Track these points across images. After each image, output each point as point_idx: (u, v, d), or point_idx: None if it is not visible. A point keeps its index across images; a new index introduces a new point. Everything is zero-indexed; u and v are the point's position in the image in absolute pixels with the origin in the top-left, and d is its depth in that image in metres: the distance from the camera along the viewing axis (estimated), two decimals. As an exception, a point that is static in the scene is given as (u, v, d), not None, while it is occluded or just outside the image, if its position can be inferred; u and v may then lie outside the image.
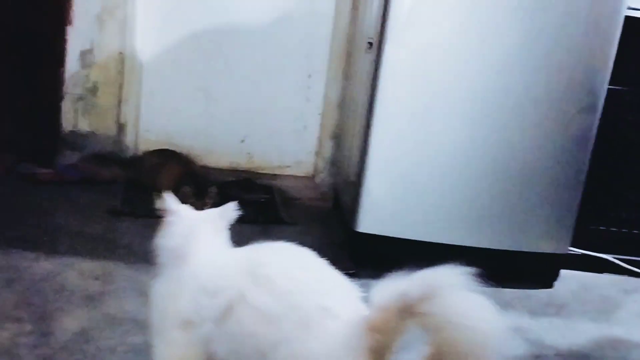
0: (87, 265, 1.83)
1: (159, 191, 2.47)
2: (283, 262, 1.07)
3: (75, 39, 2.58)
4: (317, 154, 2.89)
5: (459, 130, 2.03)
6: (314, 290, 1.03)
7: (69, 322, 1.52)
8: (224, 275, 1.08)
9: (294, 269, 1.06)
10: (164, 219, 1.17)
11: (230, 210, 1.22)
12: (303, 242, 2.13)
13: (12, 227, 2.00)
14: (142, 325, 1.55)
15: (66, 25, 2.56)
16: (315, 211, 2.64)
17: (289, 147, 2.88)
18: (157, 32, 2.69)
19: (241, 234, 2.29)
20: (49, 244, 1.93)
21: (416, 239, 2.07)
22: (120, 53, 2.64)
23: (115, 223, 2.21)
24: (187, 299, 1.09)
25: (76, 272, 1.78)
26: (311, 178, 2.90)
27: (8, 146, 2.56)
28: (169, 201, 1.18)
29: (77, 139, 2.67)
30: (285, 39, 2.77)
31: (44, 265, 1.78)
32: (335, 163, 2.78)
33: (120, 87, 2.67)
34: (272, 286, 1.02)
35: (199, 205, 2.37)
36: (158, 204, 1.18)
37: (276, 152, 2.88)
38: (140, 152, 2.73)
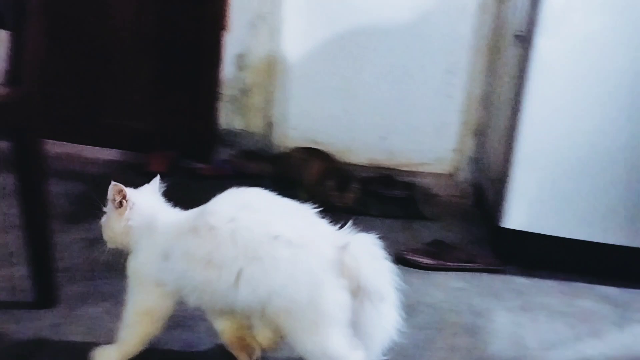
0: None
1: (304, 185, 2.64)
2: (227, 207, 1.19)
3: (231, 44, 2.79)
4: (458, 150, 2.89)
5: (612, 127, 1.95)
6: (261, 222, 1.16)
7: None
8: (171, 237, 1.21)
9: (238, 211, 1.17)
10: (126, 204, 1.27)
11: (157, 182, 1.35)
12: (445, 238, 2.15)
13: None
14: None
15: (223, 30, 2.78)
16: (456, 208, 2.65)
17: (429, 144, 2.91)
18: (302, 35, 2.83)
19: (383, 228, 2.36)
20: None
21: (564, 236, 2.02)
22: (271, 56, 2.81)
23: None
24: (153, 265, 1.23)
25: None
26: (451, 175, 2.90)
27: (172, 143, 2.83)
28: (124, 189, 1.28)
29: (231, 136, 2.88)
30: (426, 35, 2.80)
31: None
32: (476, 160, 2.77)
33: (270, 88, 2.85)
34: (215, 232, 1.15)
35: (342, 199, 2.49)
36: (109, 194, 1.28)
37: (416, 149, 2.92)
38: (286, 149, 2.89)
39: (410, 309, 1.73)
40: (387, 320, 1.25)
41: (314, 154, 2.71)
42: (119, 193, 1.25)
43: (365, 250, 1.20)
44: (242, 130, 2.88)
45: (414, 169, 2.91)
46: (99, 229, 1.31)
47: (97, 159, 2.73)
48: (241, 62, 2.82)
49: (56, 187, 2.21)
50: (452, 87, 2.85)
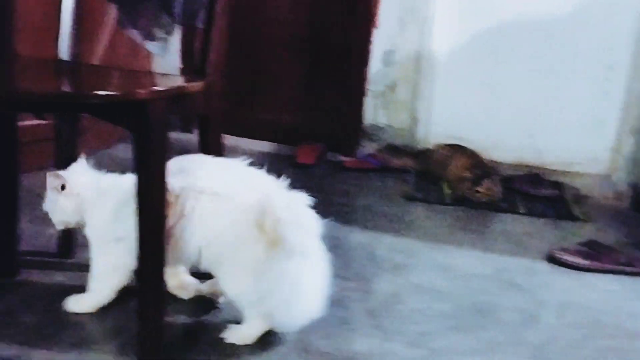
0: (391, 240, 2.04)
1: (447, 181, 2.63)
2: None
3: (379, 40, 2.85)
4: (615, 150, 2.74)
5: None
6: (189, 181, 1.27)
7: (383, 285, 1.72)
8: (117, 199, 1.34)
9: (174, 174, 1.25)
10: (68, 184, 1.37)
11: (84, 161, 1.43)
12: (601, 239, 2.06)
13: (328, 205, 2.32)
14: (445, 295, 1.69)
15: (372, 28, 2.85)
16: (611, 210, 2.52)
17: (582, 143, 2.78)
18: (451, 31, 2.83)
19: (531, 226, 2.31)
20: (359, 220, 2.20)
21: None
22: (418, 52, 2.84)
23: (410, 206, 2.41)
24: (108, 225, 1.36)
25: (383, 244, 1.99)
26: (606, 176, 2.75)
27: (320, 137, 2.95)
28: (60, 173, 1.38)
29: (375, 131, 2.95)
30: (583, 30, 2.69)
31: (357, 237, 2.03)
32: (636, 160, 2.61)
33: (416, 84, 2.88)
34: None
35: (486, 195, 2.46)
36: (48, 183, 1.37)
37: (567, 148, 2.80)
38: (430, 145, 2.90)
39: (562, 307, 1.69)
40: (312, 276, 1.30)
41: (459, 150, 2.71)
42: (58, 178, 1.38)
43: (287, 203, 1.25)
44: (386, 125, 2.94)
45: (564, 168, 2.79)
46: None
47: (251, 150, 2.92)
48: (388, 58, 2.87)
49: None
50: (610, 83, 2.70)
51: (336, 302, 1.56)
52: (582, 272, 1.91)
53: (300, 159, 2.79)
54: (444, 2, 2.80)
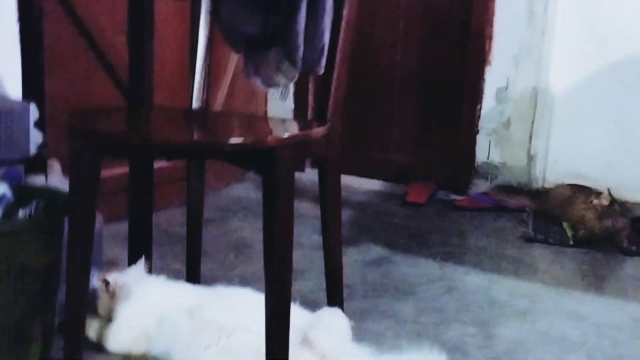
0: (512, 283, 1.97)
1: (568, 221, 2.51)
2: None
3: (492, 77, 2.81)
4: None
5: None
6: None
7: (506, 332, 1.65)
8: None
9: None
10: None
11: (143, 263, 1.58)
12: None
13: (440, 245, 2.28)
14: (577, 345, 1.60)
15: (485, 65, 2.81)
16: None
17: None
18: (571, 67, 2.73)
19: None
20: (475, 261, 2.14)
21: None
22: (534, 89, 2.76)
23: (529, 248, 2.31)
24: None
25: (503, 288, 1.92)
26: None
27: (431, 175, 2.92)
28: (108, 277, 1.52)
29: (489, 169, 2.88)
30: None
31: (473, 279, 1.98)
32: None
33: (532, 121, 2.79)
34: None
35: (614, 240, 2.31)
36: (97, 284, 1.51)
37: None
38: (548, 184, 2.79)
39: None
40: None
41: (581, 189, 2.58)
42: (104, 283, 1.50)
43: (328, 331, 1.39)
44: (501, 163, 2.86)
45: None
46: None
47: (362, 188, 2.94)
48: (502, 95, 2.82)
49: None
50: None
51: (455, 348, 1.53)
52: None
53: (411, 198, 2.77)
54: (562, 37, 2.72)
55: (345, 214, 2.52)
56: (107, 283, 1.50)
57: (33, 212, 1.37)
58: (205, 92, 1.59)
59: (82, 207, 1.27)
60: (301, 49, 1.37)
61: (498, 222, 2.58)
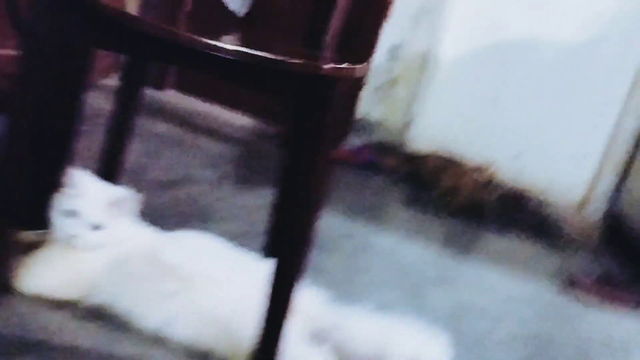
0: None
1: (439, 190, 2.59)
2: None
3: (388, 34, 2.74)
4: (591, 184, 2.84)
5: None
6: None
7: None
8: None
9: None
10: None
11: None
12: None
13: (337, 199, 2.19)
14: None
15: (383, 19, 2.73)
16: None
17: (560, 172, 2.86)
18: (462, 39, 2.77)
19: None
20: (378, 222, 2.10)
21: None
22: (425, 53, 2.76)
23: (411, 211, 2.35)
24: None
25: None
26: (580, 207, 2.86)
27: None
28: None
29: (367, 125, 2.84)
30: (588, 62, 2.73)
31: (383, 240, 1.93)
32: (614, 196, 2.73)
33: (417, 84, 2.80)
34: None
35: (477, 210, 2.46)
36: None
37: (545, 175, 2.86)
38: (419, 149, 2.84)
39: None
40: None
41: (452, 162, 2.69)
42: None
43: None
44: (379, 121, 2.84)
45: (540, 194, 2.85)
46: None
47: (234, 123, 2.70)
48: (394, 53, 2.77)
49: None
50: (602, 118, 2.78)
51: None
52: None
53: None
54: (459, 7, 2.74)
55: (227, 149, 2.31)
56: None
57: None
58: None
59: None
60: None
61: (376, 180, 2.57)
